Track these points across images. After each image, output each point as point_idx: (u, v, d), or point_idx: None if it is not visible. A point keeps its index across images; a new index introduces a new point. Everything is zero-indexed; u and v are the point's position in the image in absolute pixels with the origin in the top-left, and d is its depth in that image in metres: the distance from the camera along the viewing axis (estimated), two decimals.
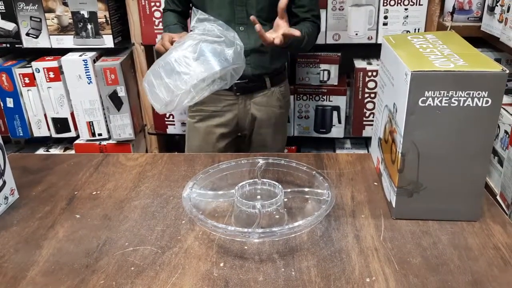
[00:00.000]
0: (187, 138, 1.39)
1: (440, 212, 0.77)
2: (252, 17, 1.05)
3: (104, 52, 1.71)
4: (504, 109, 1.16)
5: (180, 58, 0.94)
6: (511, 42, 1.12)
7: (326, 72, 1.59)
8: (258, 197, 0.82)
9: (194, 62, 0.94)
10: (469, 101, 0.70)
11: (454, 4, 1.43)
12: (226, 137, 1.34)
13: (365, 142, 1.76)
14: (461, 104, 0.70)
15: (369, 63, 1.57)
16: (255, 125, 1.34)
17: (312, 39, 1.27)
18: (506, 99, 1.23)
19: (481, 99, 0.69)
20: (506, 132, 1.12)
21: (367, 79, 1.55)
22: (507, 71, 0.69)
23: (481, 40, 1.37)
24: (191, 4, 1.29)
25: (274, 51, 1.23)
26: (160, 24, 1.59)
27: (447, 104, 0.70)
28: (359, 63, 1.58)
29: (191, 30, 1.03)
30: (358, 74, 1.55)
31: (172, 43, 1.06)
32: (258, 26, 1.04)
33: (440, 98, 0.70)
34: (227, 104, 1.30)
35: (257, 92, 1.30)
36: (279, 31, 1.09)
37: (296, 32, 1.07)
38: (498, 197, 1.13)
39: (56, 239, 0.75)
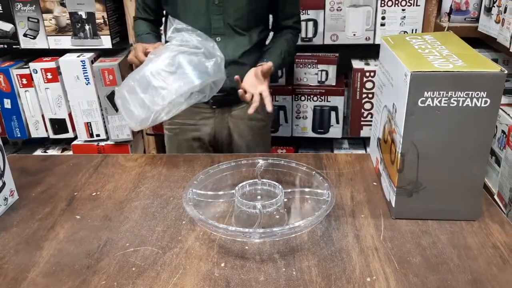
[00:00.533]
0: (167, 150, 1.34)
1: (439, 212, 0.77)
2: (236, 77, 1.03)
3: (102, 53, 1.71)
4: (501, 109, 1.17)
5: (157, 72, 0.88)
6: (508, 43, 1.13)
7: (324, 73, 1.60)
8: (259, 197, 0.82)
9: (172, 76, 0.88)
10: (468, 102, 0.70)
11: (451, 5, 1.44)
12: (204, 150, 1.29)
13: (363, 142, 1.77)
14: (460, 105, 0.70)
15: (367, 64, 1.58)
16: (233, 138, 1.28)
17: (292, 53, 1.26)
18: (503, 99, 1.24)
19: (480, 99, 0.70)
20: (503, 132, 1.13)
21: (364, 79, 1.55)
22: (506, 72, 0.69)
23: (478, 40, 1.38)
24: (164, 12, 1.24)
25: (253, 63, 1.16)
26: None
27: (446, 105, 0.70)
28: (357, 64, 1.58)
29: (167, 41, 0.97)
30: (356, 75, 1.56)
31: (146, 54, 0.99)
32: (240, 91, 1.02)
33: (440, 98, 0.70)
34: (203, 117, 1.24)
35: (235, 105, 1.23)
36: (258, 87, 1.07)
37: (269, 106, 1.06)
38: (495, 197, 1.14)
39: (56, 240, 0.75)
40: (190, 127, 1.25)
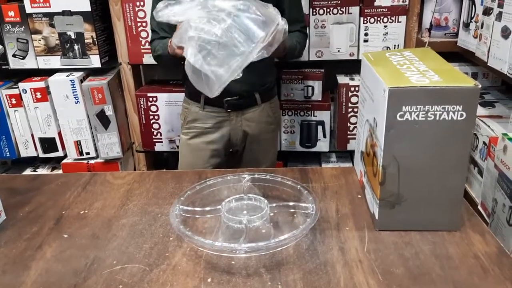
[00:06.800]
0: (180, 155, 1.41)
1: (421, 223, 0.79)
2: None
3: (91, 72, 1.72)
4: (482, 121, 1.20)
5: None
6: (485, 57, 1.17)
7: (310, 88, 1.63)
8: (245, 212, 0.83)
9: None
10: (444, 115, 0.73)
11: (431, 21, 1.48)
12: (218, 153, 1.35)
13: (350, 156, 1.79)
14: (437, 118, 0.73)
15: (352, 79, 1.61)
16: (246, 141, 1.36)
17: (303, 46, 1.34)
18: (483, 111, 1.27)
19: (456, 112, 0.72)
20: (484, 143, 1.16)
21: (350, 94, 1.58)
22: (480, 86, 0.72)
23: (460, 54, 1.42)
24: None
25: (263, 68, 1.24)
26: (147, 44, 1.61)
27: (424, 118, 0.73)
28: (342, 79, 1.61)
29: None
30: (341, 90, 1.59)
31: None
32: None
33: (417, 112, 0.73)
34: (218, 121, 1.32)
35: (248, 108, 1.32)
36: None
37: None
38: (479, 207, 1.16)
39: (44, 259, 0.75)
40: (206, 131, 1.33)
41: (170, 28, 1.24)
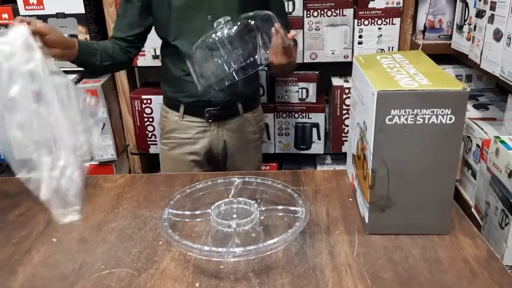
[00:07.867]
0: (161, 166, 1.37)
1: (411, 227, 0.79)
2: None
3: (85, 74, 1.72)
4: (475, 123, 1.20)
5: None
6: (478, 59, 1.17)
7: (304, 90, 1.63)
8: (234, 216, 0.83)
9: None
10: (433, 119, 0.72)
11: (425, 23, 1.48)
12: (199, 164, 1.32)
13: (345, 158, 1.78)
14: (426, 122, 0.73)
15: (346, 81, 1.61)
16: (228, 152, 1.32)
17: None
18: (477, 113, 1.27)
19: (445, 116, 0.72)
20: (477, 146, 1.16)
21: (344, 96, 1.58)
22: (468, 89, 0.72)
23: (453, 57, 1.42)
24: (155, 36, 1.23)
25: (245, 77, 1.17)
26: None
27: (413, 122, 0.73)
28: (336, 81, 1.61)
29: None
30: (336, 92, 1.59)
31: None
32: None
33: (406, 116, 0.72)
34: (199, 131, 1.27)
35: (230, 118, 1.28)
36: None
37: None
38: (473, 210, 1.16)
39: (31, 264, 0.75)
40: (186, 141, 1.29)
41: (133, 26, 1.20)
